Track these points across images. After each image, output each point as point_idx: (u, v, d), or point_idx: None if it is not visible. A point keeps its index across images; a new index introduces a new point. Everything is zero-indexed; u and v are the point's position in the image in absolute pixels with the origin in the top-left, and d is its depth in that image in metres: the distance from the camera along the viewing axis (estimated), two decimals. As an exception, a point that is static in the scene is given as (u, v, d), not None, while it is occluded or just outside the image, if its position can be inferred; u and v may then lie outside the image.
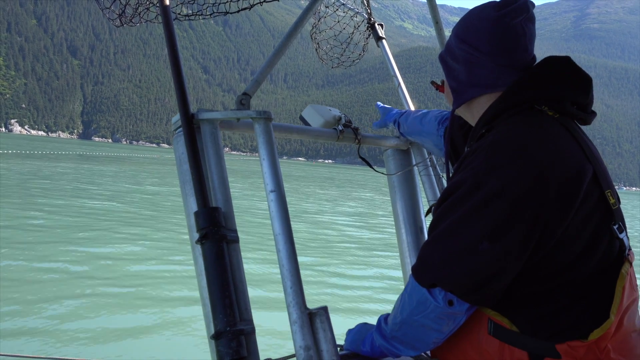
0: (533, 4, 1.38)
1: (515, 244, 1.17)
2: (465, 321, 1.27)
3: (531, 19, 1.39)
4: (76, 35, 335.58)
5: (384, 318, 1.42)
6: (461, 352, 1.32)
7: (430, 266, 1.22)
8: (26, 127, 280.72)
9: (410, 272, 2.12)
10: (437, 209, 1.30)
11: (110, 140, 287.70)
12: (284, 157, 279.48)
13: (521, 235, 1.17)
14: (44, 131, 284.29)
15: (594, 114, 1.41)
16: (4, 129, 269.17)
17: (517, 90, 1.35)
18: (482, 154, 1.25)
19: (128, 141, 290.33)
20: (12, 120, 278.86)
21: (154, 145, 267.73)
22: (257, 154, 1.50)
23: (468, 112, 1.49)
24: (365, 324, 1.55)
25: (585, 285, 1.23)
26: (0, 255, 10.09)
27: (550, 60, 1.38)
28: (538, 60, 1.42)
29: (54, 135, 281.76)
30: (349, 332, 1.55)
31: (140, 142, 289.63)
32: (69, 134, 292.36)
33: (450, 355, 1.35)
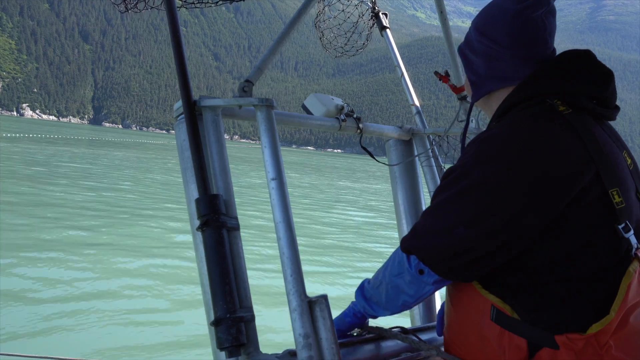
0: None
1: (488, 233, 1.22)
2: (470, 307, 1.33)
3: (552, 12, 1.38)
4: (88, 20, 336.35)
5: (367, 281, 1.49)
6: (464, 336, 1.36)
7: (413, 236, 1.31)
8: (37, 111, 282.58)
9: None
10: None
11: (120, 126, 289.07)
12: (293, 146, 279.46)
13: (495, 226, 1.21)
14: (55, 116, 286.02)
15: (617, 108, 1.39)
16: (15, 113, 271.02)
17: (529, 83, 1.34)
18: (476, 145, 1.30)
19: (138, 127, 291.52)
20: (24, 105, 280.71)
21: (164, 131, 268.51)
22: None
23: (486, 105, 1.50)
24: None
25: (585, 280, 1.24)
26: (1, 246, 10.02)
27: (568, 53, 1.37)
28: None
29: (64, 120, 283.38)
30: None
31: (150, 128, 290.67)
32: (80, 119, 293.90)
33: (455, 338, 1.40)
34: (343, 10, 2.83)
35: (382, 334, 1.61)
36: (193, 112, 1.46)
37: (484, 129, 2.05)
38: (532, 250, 1.23)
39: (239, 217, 1.46)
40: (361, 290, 1.49)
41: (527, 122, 1.29)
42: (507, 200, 1.21)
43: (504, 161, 1.23)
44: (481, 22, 1.43)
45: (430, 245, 1.27)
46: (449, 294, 1.40)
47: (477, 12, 1.50)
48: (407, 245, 1.32)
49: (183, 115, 1.49)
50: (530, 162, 1.21)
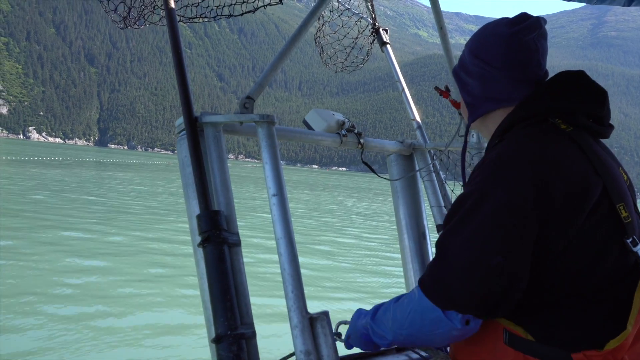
0: (545, 20, 1.42)
1: (524, 255, 1.18)
2: (482, 332, 1.28)
3: (543, 35, 1.41)
4: (94, 43, 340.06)
5: (372, 315, 1.41)
6: None
7: (446, 287, 1.21)
8: (44, 134, 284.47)
9: (412, 277, 2.22)
10: (446, 223, 1.29)
11: (125, 147, 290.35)
12: (298, 165, 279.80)
13: (528, 246, 1.19)
14: (61, 138, 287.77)
15: (611, 127, 1.41)
16: (22, 136, 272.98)
17: (529, 103, 1.37)
18: (488, 166, 1.28)
19: (143, 148, 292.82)
20: (30, 128, 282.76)
21: (169, 152, 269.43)
22: None
23: (483, 126, 1.52)
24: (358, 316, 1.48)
25: (599, 296, 1.23)
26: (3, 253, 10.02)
27: (564, 74, 1.40)
28: (551, 74, 1.43)
29: (70, 142, 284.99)
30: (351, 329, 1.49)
31: (156, 149, 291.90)
32: (86, 141, 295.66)
33: None
34: (343, 26, 2.83)
35: (382, 350, 1.55)
36: (194, 128, 1.45)
37: (484, 144, 2.03)
38: (546, 268, 1.22)
39: (240, 233, 1.44)
40: (375, 331, 1.39)
41: (536, 139, 1.29)
42: (531, 219, 1.19)
43: (522, 179, 1.21)
44: (475, 45, 1.46)
45: (473, 295, 1.18)
46: None
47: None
48: (445, 301, 1.21)
49: (185, 132, 1.48)
50: (546, 177, 1.21)
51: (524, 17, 1.41)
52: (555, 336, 1.22)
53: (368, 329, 1.41)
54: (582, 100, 1.35)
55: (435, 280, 1.23)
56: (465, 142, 1.65)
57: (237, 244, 1.42)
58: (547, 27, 1.42)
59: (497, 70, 1.40)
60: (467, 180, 1.36)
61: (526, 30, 1.37)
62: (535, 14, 1.41)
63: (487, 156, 1.34)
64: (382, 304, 1.41)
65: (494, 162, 1.27)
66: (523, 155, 1.25)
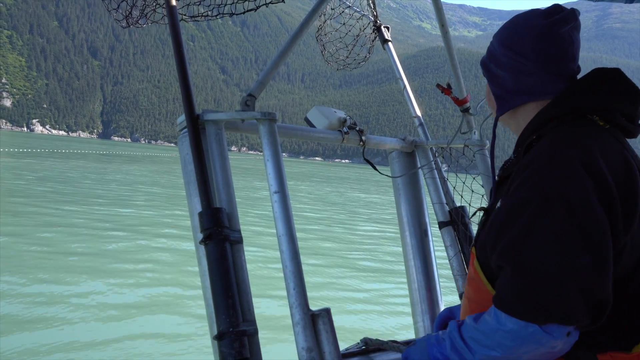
0: (579, 12, 1.38)
1: (608, 247, 1.13)
2: None
3: (577, 28, 1.37)
4: (96, 36, 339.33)
5: (458, 327, 1.30)
6: None
7: (538, 301, 1.12)
8: (47, 126, 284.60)
9: (414, 274, 2.23)
10: (500, 232, 1.23)
11: (129, 140, 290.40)
12: (301, 157, 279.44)
13: (609, 238, 1.13)
14: (64, 131, 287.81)
15: None
16: (25, 129, 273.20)
17: (567, 98, 1.32)
18: (540, 167, 1.21)
19: (147, 140, 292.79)
20: (34, 120, 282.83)
21: (172, 144, 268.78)
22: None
23: (512, 120, 1.46)
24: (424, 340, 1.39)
25: (633, 300, 1.21)
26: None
27: (599, 71, 1.36)
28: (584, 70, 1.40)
29: (74, 135, 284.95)
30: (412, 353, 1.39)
31: (159, 141, 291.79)
32: (89, 133, 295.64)
33: None
34: (344, 24, 2.83)
35: (382, 347, 1.59)
36: (196, 126, 1.46)
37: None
38: None
39: (242, 229, 1.43)
40: (455, 352, 1.27)
41: (584, 135, 1.25)
42: (602, 213, 1.14)
43: (581, 176, 1.16)
44: (506, 37, 1.41)
45: (577, 300, 1.10)
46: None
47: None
48: (542, 316, 1.12)
49: (187, 129, 1.49)
50: (604, 175, 1.17)
51: (558, 9, 1.36)
52: (582, 337, 1.19)
53: (446, 341, 1.31)
54: (619, 99, 1.32)
55: (522, 296, 1.14)
56: (494, 136, 1.57)
57: (239, 241, 1.42)
58: None
59: (530, 62, 1.35)
60: (513, 176, 1.29)
61: (561, 22, 1.33)
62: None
63: (533, 153, 1.27)
64: (463, 321, 1.32)
65: (546, 162, 1.21)
66: (576, 151, 1.20)
